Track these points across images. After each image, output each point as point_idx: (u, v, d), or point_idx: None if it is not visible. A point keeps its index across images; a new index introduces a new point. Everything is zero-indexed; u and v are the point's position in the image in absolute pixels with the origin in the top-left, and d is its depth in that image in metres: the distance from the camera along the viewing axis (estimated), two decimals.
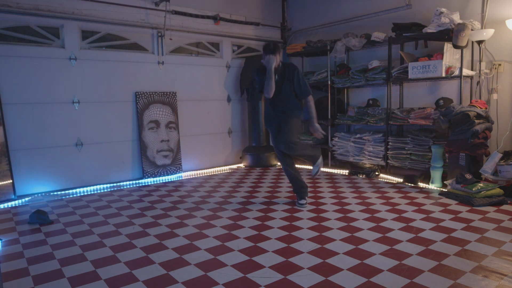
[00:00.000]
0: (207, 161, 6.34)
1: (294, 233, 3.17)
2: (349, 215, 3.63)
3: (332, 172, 5.78)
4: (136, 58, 5.50)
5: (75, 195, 4.73)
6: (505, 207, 3.78)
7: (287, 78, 3.89)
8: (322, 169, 6.04)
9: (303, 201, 3.99)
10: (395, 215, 3.58)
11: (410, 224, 3.33)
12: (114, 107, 5.33)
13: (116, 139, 5.38)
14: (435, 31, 4.63)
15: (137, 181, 5.43)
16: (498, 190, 3.95)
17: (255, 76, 4.01)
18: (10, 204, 4.35)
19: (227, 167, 6.46)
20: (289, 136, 3.83)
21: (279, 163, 6.58)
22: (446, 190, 4.30)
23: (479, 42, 4.55)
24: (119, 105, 5.37)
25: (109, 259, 2.76)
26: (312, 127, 3.95)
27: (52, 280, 2.44)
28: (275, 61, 3.74)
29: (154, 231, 3.33)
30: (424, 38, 4.89)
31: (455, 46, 4.43)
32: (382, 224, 3.35)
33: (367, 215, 3.60)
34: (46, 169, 4.82)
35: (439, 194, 4.29)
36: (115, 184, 5.28)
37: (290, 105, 3.91)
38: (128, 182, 5.37)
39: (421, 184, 4.77)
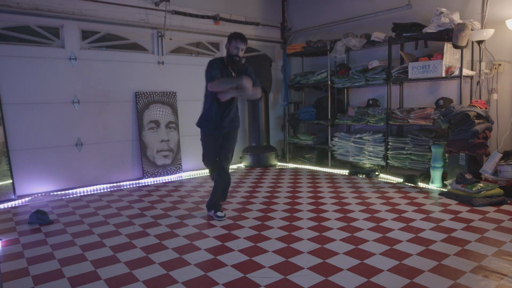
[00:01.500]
0: None
1: (294, 233, 3.17)
2: (349, 215, 3.62)
3: (332, 172, 5.78)
4: (136, 58, 5.50)
5: (75, 195, 4.73)
6: (505, 207, 3.78)
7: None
8: (323, 169, 6.04)
9: (220, 214, 3.64)
10: (395, 215, 3.58)
11: (410, 224, 3.33)
12: (114, 107, 5.33)
13: (116, 139, 5.38)
14: (435, 31, 4.63)
15: (137, 181, 5.43)
16: (498, 190, 3.95)
17: (211, 69, 3.50)
18: (10, 204, 4.34)
19: None
20: (231, 153, 3.70)
21: (279, 163, 6.58)
22: (446, 190, 4.30)
23: (479, 42, 4.55)
24: (119, 105, 5.37)
25: (109, 259, 2.76)
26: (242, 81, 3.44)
27: (52, 280, 2.44)
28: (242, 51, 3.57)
29: (154, 231, 3.33)
30: (424, 38, 4.89)
31: (455, 46, 4.43)
32: (382, 224, 3.35)
33: (367, 215, 3.60)
34: (46, 169, 4.82)
35: (439, 194, 4.29)
36: (115, 184, 5.28)
37: (235, 110, 3.70)
38: (128, 182, 5.37)
39: (421, 184, 4.77)
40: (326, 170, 5.95)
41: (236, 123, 3.71)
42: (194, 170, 6.11)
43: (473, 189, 3.91)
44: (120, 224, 3.53)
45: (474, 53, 4.76)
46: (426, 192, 4.44)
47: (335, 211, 3.77)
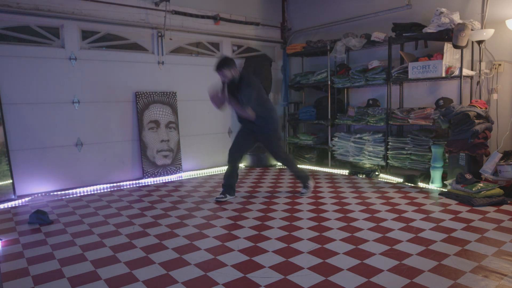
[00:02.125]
0: (207, 161, 6.33)
1: (294, 233, 3.17)
2: (349, 215, 3.63)
3: (332, 172, 5.78)
4: (136, 58, 5.50)
5: (75, 195, 4.73)
6: (505, 207, 3.78)
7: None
8: (323, 169, 6.05)
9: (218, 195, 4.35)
10: (395, 215, 3.58)
11: (410, 224, 3.33)
12: (114, 107, 5.33)
13: (116, 139, 5.38)
14: (435, 31, 4.63)
15: (137, 181, 5.43)
16: (498, 190, 3.95)
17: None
18: (10, 204, 4.35)
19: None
20: (277, 153, 4.30)
21: (279, 163, 6.57)
22: (446, 190, 4.30)
23: (479, 42, 4.55)
24: (119, 105, 5.37)
25: (109, 259, 2.76)
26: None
27: (52, 280, 2.44)
28: (226, 78, 4.00)
29: (154, 231, 3.33)
30: (424, 38, 4.89)
31: (455, 46, 4.43)
32: (382, 224, 3.35)
33: (367, 215, 3.60)
34: (46, 169, 4.82)
35: (439, 194, 4.29)
36: (115, 184, 5.28)
37: (256, 115, 4.06)
38: (128, 182, 5.37)
39: (421, 184, 4.77)
40: (326, 170, 5.95)
41: (263, 128, 4.15)
42: (194, 170, 6.11)
43: (473, 189, 3.91)
44: (120, 224, 3.53)
45: (474, 53, 4.76)
46: (426, 192, 4.44)
47: (335, 211, 3.77)
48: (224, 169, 6.28)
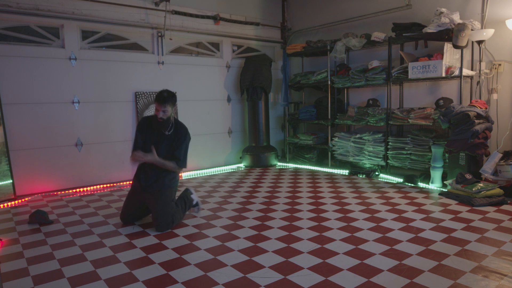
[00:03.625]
0: (207, 161, 6.33)
1: (294, 233, 3.17)
2: (349, 215, 3.62)
3: (332, 172, 5.78)
4: (136, 58, 5.50)
5: (75, 195, 4.73)
6: (505, 207, 3.78)
7: (172, 140, 3.52)
8: (323, 169, 6.05)
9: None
10: (395, 215, 3.58)
11: (410, 224, 3.33)
12: (114, 107, 5.33)
13: (116, 139, 5.38)
14: (435, 31, 4.63)
15: None
16: (498, 190, 3.95)
17: (137, 131, 3.50)
18: (10, 204, 4.34)
19: (227, 167, 6.46)
20: (166, 215, 3.31)
21: (279, 163, 6.57)
22: (446, 190, 4.30)
23: (479, 42, 4.55)
24: (119, 105, 5.37)
25: (109, 259, 2.76)
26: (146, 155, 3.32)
27: (52, 280, 2.44)
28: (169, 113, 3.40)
29: (154, 231, 3.33)
30: (424, 38, 4.89)
31: (455, 46, 4.43)
32: (382, 224, 3.35)
33: (367, 215, 3.60)
34: (46, 169, 4.82)
35: (439, 194, 4.29)
36: (115, 184, 5.28)
37: (162, 171, 3.42)
38: (128, 182, 5.37)
39: (421, 184, 4.77)
40: (326, 170, 5.95)
41: (161, 185, 3.42)
42: (193, 170, 6.11)
43: (473, 189, 3.91)
44: (120, 224, 3.52)
45: (474, 53, 4.76)
46: (426, 192, 4.44)
47: (335, 211, 3.77)
48: (224, 169, 6.31)
